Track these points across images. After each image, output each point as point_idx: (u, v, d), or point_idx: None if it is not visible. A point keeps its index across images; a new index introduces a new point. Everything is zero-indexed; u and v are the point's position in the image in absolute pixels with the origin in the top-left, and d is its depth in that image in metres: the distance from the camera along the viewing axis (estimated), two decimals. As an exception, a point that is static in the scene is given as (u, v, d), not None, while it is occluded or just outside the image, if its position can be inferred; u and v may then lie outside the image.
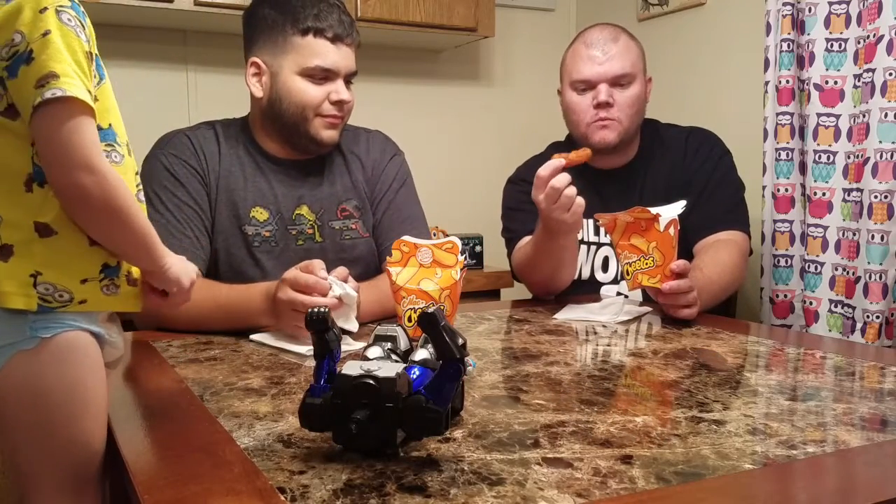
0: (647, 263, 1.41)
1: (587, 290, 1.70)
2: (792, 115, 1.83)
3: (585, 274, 1.73)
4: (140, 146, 1.24)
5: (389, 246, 1.29)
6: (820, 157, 1.81)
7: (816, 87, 1.80)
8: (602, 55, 1.66)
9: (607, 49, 1.66)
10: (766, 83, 1.86)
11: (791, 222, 1.85)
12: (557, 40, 2.70)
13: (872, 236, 1.65)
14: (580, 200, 1.38)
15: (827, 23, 1.78)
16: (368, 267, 1.57)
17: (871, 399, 0.95)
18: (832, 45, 1.78)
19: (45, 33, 0.80)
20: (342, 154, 1.59)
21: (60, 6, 0.82)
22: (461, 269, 1.23)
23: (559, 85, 1.77)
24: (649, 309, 1.53)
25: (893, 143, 1.62)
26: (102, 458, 0.88)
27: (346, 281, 1.26)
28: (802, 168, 1.85)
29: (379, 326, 0.90)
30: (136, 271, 0.93)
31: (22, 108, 0.82)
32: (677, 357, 1.17)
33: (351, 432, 0.71)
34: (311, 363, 0.86)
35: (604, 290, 1.70)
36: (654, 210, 1.41)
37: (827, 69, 1.79)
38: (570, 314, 1.49)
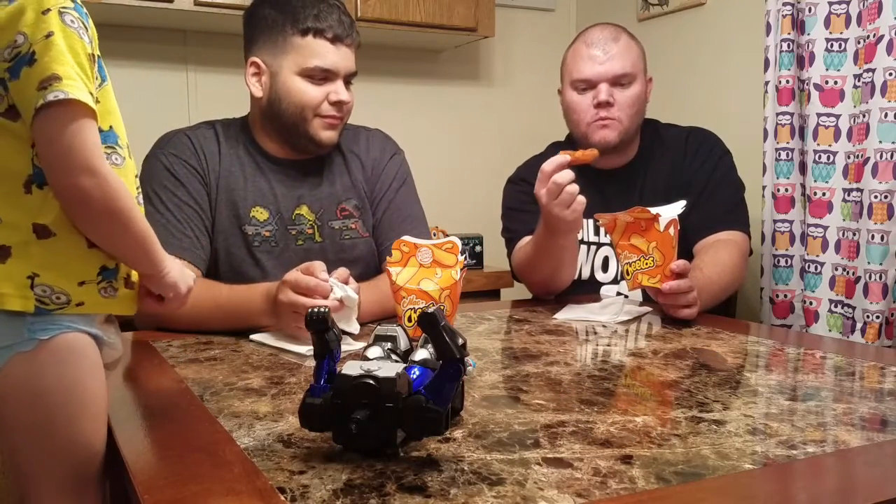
0: (647, 263, 1.41)
1: (587, 290, 1.70)
2: (792, 115, 1.83)
3: (585, 274, 1.73)
4: (140, 146, 1.24)
5: (389, 245, 1.29)
6: (820, 157, 1.81)
7: (816, 87, 1.80)
8: (603, 55, 1.66)
9: (608, 49, 1.66)
10: (766, 83, 1.86)
11: (791, 222, 1.85)
12: (557, 40, 2.70)
13: (872, 236, 1.65)
14: (581, 199, 1.38)
15: (827, 23, 1.78)
16: (368, 267, 1.57)
17: (871, 399, 0.95)
18: (832, 45, 1.78)
19: (48, 35, 0.80)
20: (342, 153, 1.59)
21: (63, 7, 0.82)
22: (461, 269, 1.23)
23: (559, 85, 1.77)
24: (649, 309, 1.53)
25: (893, 143, 1.62)
26: (102, 459, 0.88)
27: (347, 282, 1.26)
28: (802, 168, 1.85)
29: (379, 326, 0.90)
30: (134, 274, 0.93)
31: (23, 110, 0.81)
32: (677, 357, 1.17)
33: (351, 432, 0.71)
34: (311, 363, 0.86)
35: (604, 290, 1.70)
36: (654, 210, 1.41)
37: (827, 69, 1.79)
38: (570, 314, 1.49)
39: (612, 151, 1.69)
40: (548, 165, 1.39)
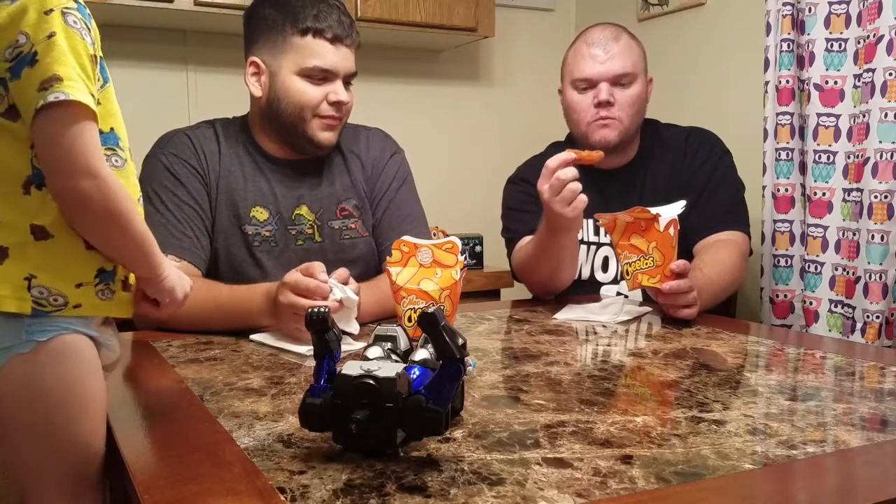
0: (646, 263, 1.41)
1: (587, 290, 1.70)
2: (792, 115, 1.83)
3: (585, 274, 1.73)
4: (140, 146, 1.24)
5: (389, 245, 1.29)
6: (820, 157, 1.81)
7: (816, 87, 1.80)
8: (603, 54, 1.66)
9: (609, 48, 1.66)
10: (766, 83, 1.86)
11: (791, 222, 1.85)
12: (557, 40, 2.71)
13: (872, 236, 1.65)
14: (583, 197, 1.39)
15: (827, 23, 1.78)
16: (368, 266, 1.57)
17: (871, 399, 0.95)
18: (832, 45, 1.78)
19: (50, 35, 0.79)
20: (342, 153, 1.59)
21: (66, 8, 0.81)
22: (461, 269, 1.23)
23: (560, 84, 1.77)
24: (649, 309, 1.53)
25: (893, 143, 1.62)
26: (102, 459, 0.88)
27: (347, 283, 1.26)
28: (802, 168, 1.85)
29: (379, 326, 0.90)
30: (132, 277, 0.93)
31: (24, 111, 0.81)
32: (677, 357, 1.17)
33: (351, 432, 0.71)
34: (311, 363, 0.86)
35: (604, 290, 1.71)
36: (653, 210, 1.41)
37: (827, 69, 1.79)
38: (570, 314, 1.49)
39: (613, 151, 1.69)
40: (552, 161, 1.39)
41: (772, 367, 1.14)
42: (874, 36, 1.65)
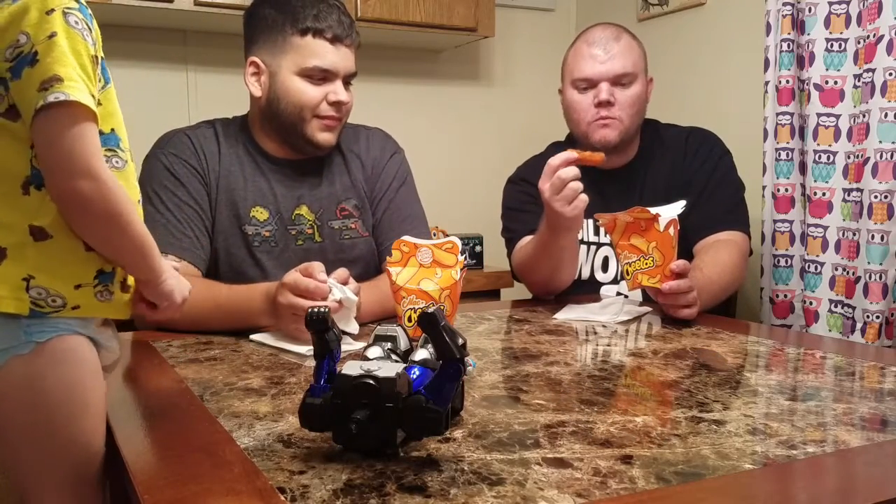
0: (646, 263, 1.41)
1: (587, 290, 1.70)
2: (792, 115, 1.83)
3: (585, 274, 1.73)
4: (140, 146, 1.24)
5: (389, 245, 1.29)
6: (820, 157, 1.81)
7: (816, 87, 1.80)
8: (604, 54, 1.66)
9: (609, 48, 1.66)
10: (766, 83, 1.86)
11: (791, 222, 1.85)
12: (557, 40, 2.70)
13: (872, 236, 1.65)
14: (583, 197, 1.39)
15: (827, 23, 1.78)
16: (368, 266, 1.57)
17: (871, 399, 0.95)
18: (832, 45, 1.78)
19: (51, 35, 0.79)
20: (342, 153, 1.59)
21: (68, 8, 0.81)
22: (461, 269, 1.23)
23: (560, 84, 1.77)
24: (649, 309, 1.53)
25: (893, 143, 1.62)
26: (102, 459, 0.88)
27: (346, 283, 1.26)
28: (802, 168, 1.85)
29: (379, 326, 0.90)
30: (130, 278, 0.92)
31: (23, 111, 0.81)
32: (677, 357, 1.17)
33: (351, 432, 0.71)
34: (311, 363, 0.86)
35: (604, 290, 1.71)
36: (653, 210, 1.41)
37: (827, 69, 1.79)
38: (570, 314, 1.49)
39: (613, 151, 1.69)
40: (554, 160, 1.39)
41: (772, 367, 1.14)
42: (874, 36, 1.65)
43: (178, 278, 0.97)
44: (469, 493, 0.66)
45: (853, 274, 1.72)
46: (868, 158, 1.66)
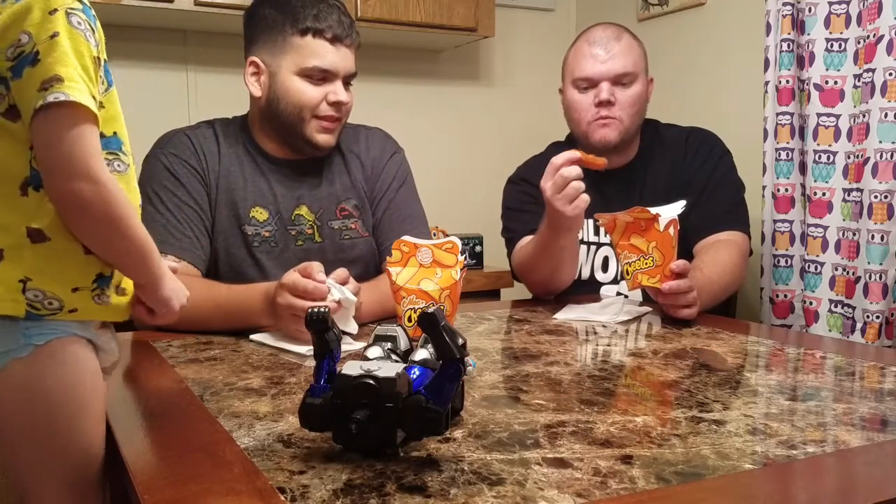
0: (646, 263, 1.41)
1: (587, 290, 1.70)
2: (792, 115, 1.83)
3: (585, 274, 1.73)
4: (140, 146, 1.24)
5: (390, 245, 1.29)
6: (820, 157, 1.81)
7: (816, 87, 1.80)
8: (605, 53, 1.66)
9: (610, 48, 1.67)
10: (766, 83, 1.86)
11: (791, 222, 1.85)
12: (557, 40, 2.71)
13: (872, 236, 1.65)
14: (585, 196, 1.39)
15: (827, 23, 1.78)
16: (368, 266, 1.57)
17: (871, 399, 0.95)
18: (832, 45, 1.78)
19: (53, 35, 0.78)
20: (341, 153, 1.59)
21: (71, 8, 0.80)
22: (461, 269, 1.23)
23: (560, 84, 1.77)
24: (649, 309, 1.53)
25: (893, 143, 1.62)
26: (102, 460, 0.88)
27: (346, 282, 1.26)
28: (802, 168, 1.85)
29: (379, 326, 0.90)
30: (126, 282, 0.91)
31: (23, 110, 0.80)
32: (677, 357, 1.17)
33: (351, 432, 0.71)
34: (311, 363, 0.86)
35: (604, 290, 1.71)
36: (653, 210, 1.41)
37: (827, 69, 1.79)
38: (570, 314, 1.49)
39: (613, 151, 1.69)
40: (558, 159, 1.40)
41: (772, 367, 1.14)
42: (874, 36, 1.65)
43: (177, 284, 0.96)
44: (469, 493, 0.66)
45: (853, 274, 1.72)
46: (868, 158, 1.66)
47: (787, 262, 1.86)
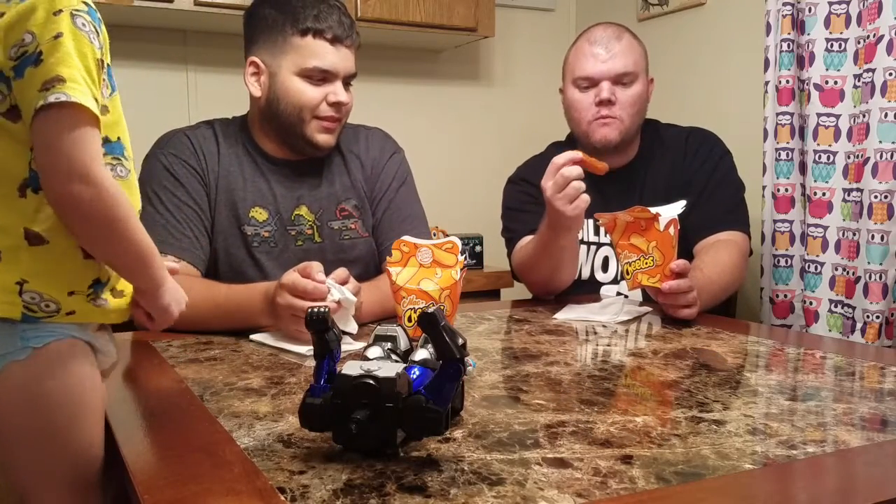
0: (646, 263, 1.41)
1: (587, 290, 1.70)
2: (792, 115, 1.83)
3: (585, 274, 1.73)
4: (140, 146, 1.24)
5: (389, 245, 1.29)
6: (820, 157, 1.81)
7: (816, 87, 1.80)
8: (605, 53, 1.66)
9: (611, 47, 1.67)
10: (766, 83, 1.86)
11: (791, 222, 1.85)
12: (557, 40, 2.71)
13: (872, 236, 1.65)
14: (585, 197, 1.39)
15: (827, 23, 1.78)
16: (368, 267, 1.57)
17: (871, 399, 0.95)
18: (832, 45, 1.78)
19: (57, 36, 0.78)
20: (341, 153, 1.59)
21: (76, 10, 0.80)
22: (461, 269, 1.23)
23: (561, 83, 1.77)
24: (649, 309, 1.53)
25: (893, 143, 1.62)
26: (102, 463, 0.87)
27: (346, 282, 1.26)
28: (802, 168, 1.85)
29: (379, 326, 0.90)
30: (122, 284, 0.90)
31: (24, 111, 0.79)
32: (677, 357, 1.17)
33: (351, 432, 0.71)
34: (311, 363, 0.86)
35: (604, 290, 1.70)
36: (653, 209, 1.41)
37: (827, 69, 1.79)
38: (570, 314, 1.49)
39: (613, 151, 1.69)
40: (559, 158, 1.40)
41: (772, 367, 1.14)
42: (874, 36, 1.65)
43: (178, 291, 0.94)
44: (469, 493, 0.66)
45: (853, 274, 1.72)
46: (868, 158, 1.66)
47: (787, 262, 1.86)
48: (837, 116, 1.78)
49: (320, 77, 1.45)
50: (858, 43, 1.73)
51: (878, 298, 1.64)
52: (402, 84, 2.67)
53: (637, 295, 1.64)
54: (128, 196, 0.85)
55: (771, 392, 0.98)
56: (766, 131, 1.86)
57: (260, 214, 1.49)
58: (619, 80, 1.67)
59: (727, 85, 2.26)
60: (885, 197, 1.63)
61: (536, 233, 1.56)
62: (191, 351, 1.20)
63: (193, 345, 1.24)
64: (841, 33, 1.77)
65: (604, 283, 1.72)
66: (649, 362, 1.14)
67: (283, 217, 1.50)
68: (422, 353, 0.82)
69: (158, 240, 1.35)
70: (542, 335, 1.32)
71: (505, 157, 2.17)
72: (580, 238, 1.69)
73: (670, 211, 1.41)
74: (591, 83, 1.68)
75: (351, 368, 0.74)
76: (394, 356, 0.84)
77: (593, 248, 1.74)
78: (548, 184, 1.40)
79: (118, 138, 0.88)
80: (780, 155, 1.84)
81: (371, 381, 0.72)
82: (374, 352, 0.83)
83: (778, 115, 1.84)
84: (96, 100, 0.80)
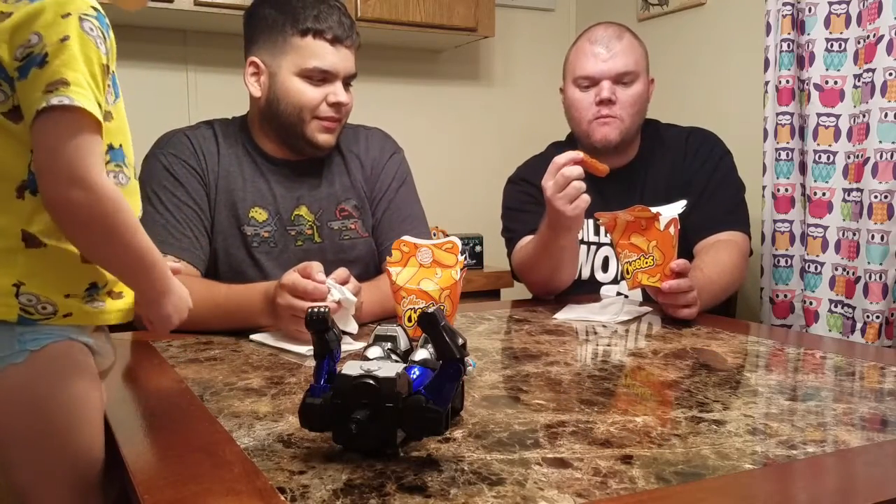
0: (646, 262, 1.41)
1: (587, 290, 1.70)
2: (792, 115, 1.83)
3: (585, 274, 1.73)
4: (140, 146, 1.24)
5: (389, 245, 1.29)
6: (820, 157, 1.81)
7: (816, 87, 1.80)
8: (606, 52, 1.66)
9: (611, 46, 1.67)
10: (766, 83, 1.86)
11: (791, 222, 1.85)
12: (557, 40, 2.71)
13: (872, 236, 1.65)
14: (585, 197, 1.39)
15: (827, 23, 1.78)
16: (368, 267, 1.57)
17: (871, 399, 0.95)
18: (832, 45, 1.78)
19: (64, 38, 0.77)
20: (341, 154, 1.59)
21: (85, 14, 0.79)
22: (461, 269, 1.23)
23: (561, 83, 1.77)
24: (649, 309, 1.53)
25: (893, 143, 1.62)
26: (103, 465, 0.87)
27: (346, 282, 1.26)
28: (802, 168, 1.85)
29: (379, 326, 0.90)
30: (118, 286, 0.89)
31: (26, 111, 0.78)
32: (677, 357, 1.17)
33: (351, 432, 0.71)
34: (311, 363, 0.86)
35: (604, 290, 1.70)
36: (654, 209, 1.41)
37: (827, 69, 1.79)
38: (570, 314, 1.49)
39: (613, 151, 1.69)
40: (560, 158, 1.40)
41: (772, 367, 1.14)
42: (874, 36, 1.65)
43: (181, 300, 0.92)
44: (469, 493, 0.66)
45: (853, 274, 1.72)
46: (868, 158, 1.66)
47: (787, 262, 1.86)
48: (837, 116, 1.78)
49: (320, 77, 1.45)
50: (858, 43, 1.73)
51: (878, 298, 1.64)
52: (402, 84, 2.67)
53: (637, 295, 1.64)
54: (129, 204, 0.84)
55: (771, 392, 0.98)
56: (766, 131, 1.86)
57: (260, 215, 1.49)
58: (620, 79, 1.67)
59: (727, 85, 2.26)
60: (885, 197, 1.63)
61: (536, 233, 1.56)
62: (191, 351, 1.20)
63: (193, 345, 1.24)
64: (841, 33, 1.77)
65: (604, 283, 1.72)
66: (649, 362, 1.14)
67: (282, 217, 1.50)
68: (422, 353, 0.82)
69: (158, 240, 1.35)
70: (542, 335, 1.32)
71: (505, 157, 2.17)
72: (580, 238, 1.69)
73: (671, 210, 1.41)
74: (592, 82, 1.68)
75: (351, 368, 0.74)
76: (394, 356, 0.84)
77: (593, 248, 1.74)
78: (548, 183, 1.40)
79: (120, 145, 0.87)
80: (780, 155, 1.84)
81: (371, 381, 0.72)
82: (374, 352, 0.83)
83: (778, 115, 1.84)
84: (100, 105, 0.80)
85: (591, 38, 1.69)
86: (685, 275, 1.39)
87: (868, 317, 1.66)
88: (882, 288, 1.64)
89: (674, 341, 1.28)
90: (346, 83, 1.49)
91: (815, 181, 1.82)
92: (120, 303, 0.90)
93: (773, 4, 1.84)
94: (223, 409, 0.90)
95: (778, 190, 1.85)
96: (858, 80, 1.73)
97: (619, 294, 1.68)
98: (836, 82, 1.78)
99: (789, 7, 1.81)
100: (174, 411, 0.91)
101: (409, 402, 0.72)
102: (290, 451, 0.76)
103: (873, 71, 1.64)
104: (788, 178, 1.84)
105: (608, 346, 1.28)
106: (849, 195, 1.75)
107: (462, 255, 1.24)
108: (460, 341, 0.73)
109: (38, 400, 0.83)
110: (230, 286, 1.35)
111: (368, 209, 1.59)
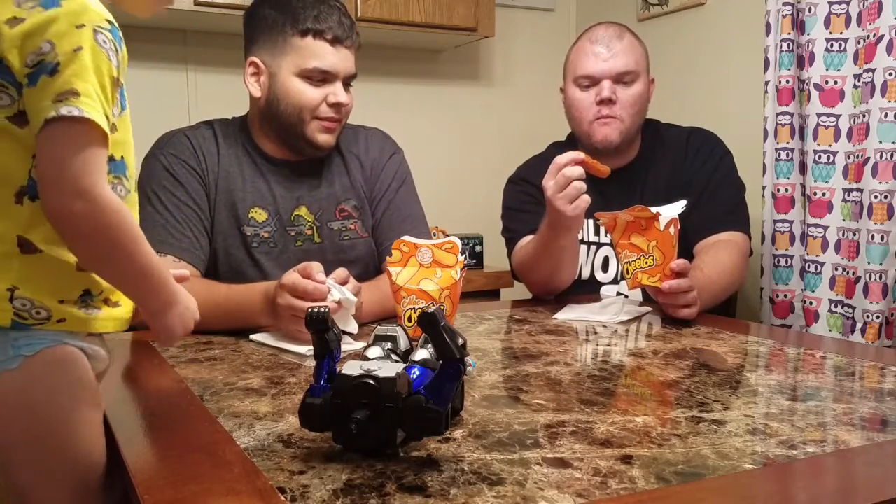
0: (646, 262, 1.41)
1: (587, 290, 1.70)
2: (792, 115, 1.83)
3: (585, 274, 1.73)
4: (140, 146, 1.23)
5: (389, 245, 1.29)
6: (820, 157, 1.81)
7: (816, 87, 1.80)
8: (606, 52, 1.66)
9: (612, 46, 1.67)
10: (766, 83, 1.86)
11: (791, 222, 1.85)
12: (557, 40, 2.71)
13: (872, 236, 1.65)
14: (586, 197, 1.39)
15: (827, 23, 1.78)
16: (368, 267, 1.57)
17: (871, 399, 0.95)
18: (832, 45, 1.78)
19: (77, 49, 0.77)
20: (341, 154, 1.59)
21: (99, 26, 0.79)
22: (461, 269, 1.23)
23: (562, 83, 1.77)
24: (649, 309, 1.53)
25: (893, 143, 1.62)
26: (104, 468, 0.87)
27: (346, 282, 1.26)
28: (802, 168, 1.85)
29: (379, 326, 0.90)
30: (120, 296, 0.89)
31: (32, 118, 0.78)
32: (677, 357, 1.17)
33: (351, 432, 0.71)
34: (311, 363, 0.86)
35: (604, 290, 1.70)
36: (654, 209, 1.41)
37: (827, 69, 1.79)
38: (570, 314, 1.49)
39: (614, 152, 1.69)
40: (561, 158, 1.40)
41: (772, 367, 1.14)
42: (874, 36, 1.65)
43: (186, 313, 0.91)
44: (469, 493, 0.66)
45: (853, 274, 1.72)
46: (868, 158, 1.66)
47: (787, 262, 1.86)
48: (837, 116, 1.78)
49: (320, 78, 1.45)
50: (858, 43, 1.73)
51: (878, 298, 1.64)
52: (402, 84, 2.67)
53: (637, 295, 1.64)
54: (133, 217, 0.84)
55: (771, 392, 0.98)
56: (766, 131, 1.86)
57: (259, 215, 1.49)
58: (620, 79, 1.67)
59: (727, 85, 2.26)
60: (885, 197, 1.63)
61: (536, 233, 1.56)
62: (191, 351, 1.20)
63: (193, 345, 1.24)
64: (841, 33, 1.77)
65: (604, 283, 1.72)
66: (649, 362, 1.14)
67: (282, 217, 1.50)
68: (422, 353, 0.82)
69: (158, 239, 1.36)
70: (542, 335, 1.32)
71: (505, 157, 2.17)
72: (580, 238, 1.69)
73: (671, 210, 1.41)
74: (592, 82, 1.68)
75: (351, 368, 0.74)
76: (394, 356, 0.84)
77: (593, 248, 1.74)
78: (549, 183, 1.40)
79: (122, 157, 0.87)
80: (780, 155, 1.84)
81: (371, 381, 0.72)
82: (374, 352, 0.83)
83: (778, 115, 1.84)
84: (107, 117, 0.80)
85: (592, 38, 1.69)
86: (685, 275, 1.39)
87: (868, 317, 1.66)
88: (882, 288, 1.64)
89: (674, 341, 1.28)
90: (347, 83, 1.49)
91: (815, 181, 1.82)
92: (116, 312, 0.89)
93: (773, 4, 1.84)
94: (223, 409, 0.90)
95: (778, 190, 1.85)
96: (858, 80, 1.73)
97: (619, 294, 1.68)
98: (836, 82, 1.78)
99: (789, 7, 1.81)
100: (174, 411, 0.91)
101: (409, 402, 0.72)
102: (290, 451, 0.76)
103: (873, 71, 1.64)
104: (788, 178, 1.84)
105: (608, 346, 1.28)
106: (849, 195, 1.75)
107: (462, 255, 1.24)
108: (460, 341, 0.73)
109: (35, 404, 0.82)
110: (230, 286, 1.35)
111: (368, 209, 1.59)
